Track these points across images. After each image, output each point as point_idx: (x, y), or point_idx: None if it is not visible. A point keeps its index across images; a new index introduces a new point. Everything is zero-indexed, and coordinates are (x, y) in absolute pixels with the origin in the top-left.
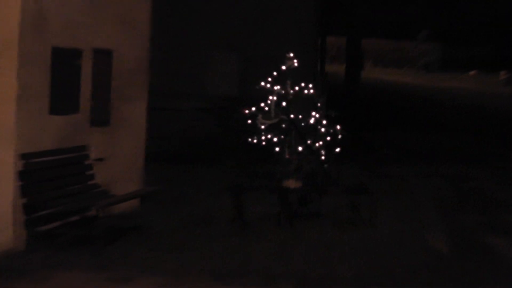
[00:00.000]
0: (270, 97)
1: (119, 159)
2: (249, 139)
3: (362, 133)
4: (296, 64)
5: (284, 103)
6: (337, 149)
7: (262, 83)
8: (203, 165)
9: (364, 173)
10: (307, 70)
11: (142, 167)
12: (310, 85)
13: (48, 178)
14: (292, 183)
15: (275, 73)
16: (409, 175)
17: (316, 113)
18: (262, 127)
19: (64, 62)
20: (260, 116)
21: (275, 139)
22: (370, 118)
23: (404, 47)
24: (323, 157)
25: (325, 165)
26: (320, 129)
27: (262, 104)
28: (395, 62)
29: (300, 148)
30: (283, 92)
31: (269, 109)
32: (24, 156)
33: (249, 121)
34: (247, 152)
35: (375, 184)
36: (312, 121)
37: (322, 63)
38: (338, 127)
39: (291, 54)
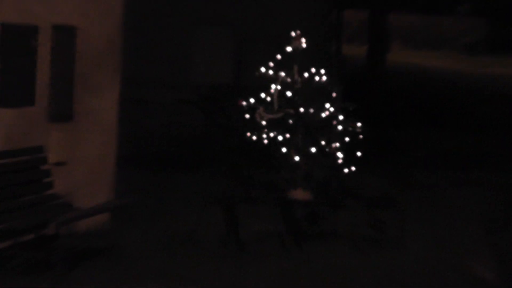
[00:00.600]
0: (273, 86)
1: (84, 163)
2: (246, 138)
3: (388, 131)
4: (305, 45)
5: (290, 94)
6: (358, 153)
7: (263, 69)
8: (188, 171)
9: (390, 181)
10: (319, 53)
11: (113, 172)
12: (323, 71)
13: None
14: (299, 194)
15: (278, 56)
16: (447, 184)
17: (331, 106)
18: (263, 123)
19: (15, 42)
20: (260, 110)
21: (278, 138)
22: (398, 112)
23: (441, 24)
24: (339, 162)
25: (342, 172)
26: (335, 126)
27: (263, 95)
28: (430, 42)
29: (310, 150)
30: (288, 79)
31: (271, 100)
32: None
33: (247, 116)
34: (243, 155)
35: (403, 196)
36: (325, 116)
37: (338, 44)
38: (359, 124)
39: (299, 33)
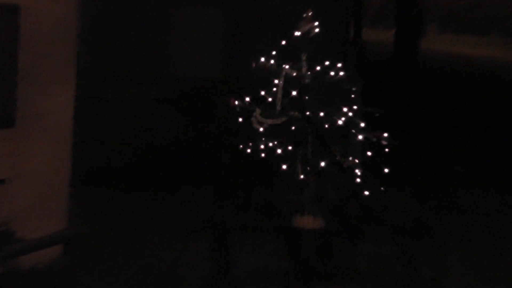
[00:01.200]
0: (275, 82)
1: (29, 180)
2: (240, 149)
3: (422, 140)
4: (317, 30)
5: (296, 92)
6: (383, 169)
7: (262, 59)
8: (165, 191)
9: (425, 204)
10: (333, 39)
11: (66, 193)
12: (339, 64)
13: None
14: (308, 222)
15: (282, 43)
16: (498, 208)
17: (349, 109)
18: (261, 129)
19: None
20: (257, 112)
21: (281, 150)
22: (436, 116)
23: (489, 2)
24: (358, 180)
25: (362, 193)
26: (354, 135)
27: (262, 93)
28: (475, 26)
29: (322, 165)
30: (294, 73)
31: (272, 100)
32: None
33: (240, 119)
34: (236, 171)
35: (441, 223)
36: (341, 121)
37: (357, 28)
38: (385, 134)
39: (310, 13)
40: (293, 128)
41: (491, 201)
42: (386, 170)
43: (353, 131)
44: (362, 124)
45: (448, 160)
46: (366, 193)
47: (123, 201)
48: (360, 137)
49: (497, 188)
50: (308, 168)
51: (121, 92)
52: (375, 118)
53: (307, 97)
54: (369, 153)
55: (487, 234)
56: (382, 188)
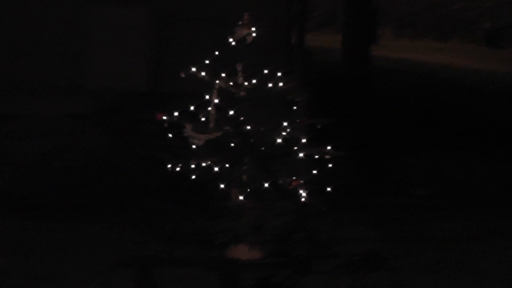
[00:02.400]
0: (208, 96)
1: None
2: (168, 170)
3: (377, 158)
4: (254, 34)
5: (230, 106)
6: (329, 186)
7: (192, 69)
8: (82, 219)
9: (381, 232)
10: (273, 45)
11: None
12: (279, 73)
13: None
14: (245, 253)
15: (216, 52)
16: (465, 235)
17: (291, 123)
18: (194, 146)
19: None
20: (188, 127)
21: (215, 169)
22: (392, 130)
23: (451, 1)
24: (303, 204)
25: (309, 219)
26: (297, 153)
27: (192, 108)
28: (435, 30)
29: (261, 187)
30: (230, 84)
31: (205, 115)
32: None
33: (169, 135)
34: (163, 195)
35: (400, 254)
36: (282, 137)
37: (300, 32)
38: (329, 147)
39: (247, 17)
40: (229, 145)
41: (456, 227)
42: (329, 189)
43: (296, 147)
44: (305, 140)
45: (406, 181)
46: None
47: (36, 231)
48: (302, 154)
49: (462, 211)
50: (245, 191)
51: (31, 107)
52: (321, 132)
53: (243, 111)
54: (315, 171)
55: (451, 265)
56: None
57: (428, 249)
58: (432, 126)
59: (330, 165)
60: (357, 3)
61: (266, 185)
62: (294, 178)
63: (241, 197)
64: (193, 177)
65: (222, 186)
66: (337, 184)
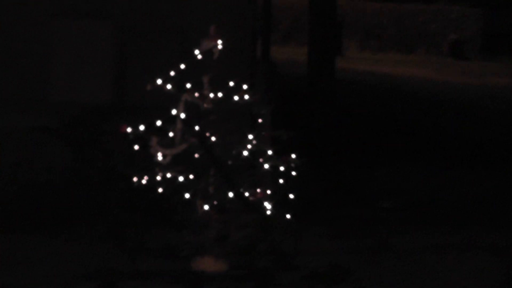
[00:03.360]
0: (173, 109)
1: None
2: (132, 183)
3: (341, 170)
4: (220, 46)
5: (196, 119)
6: (291, 197)
7: (158, 81)
8: (46, 233)
9: (344, 244)
10: (238, 57)
11: None
12: (245, 86)
13: None
14: (209, 264)
15: (182, 65)
16: (426, 248)
17: (255, 135)
18: (159, 158)
19: None
20: (154, 141)
21: (180, 179)
22: (357, 143)
23: (415, 13)
24: (268, 215)
25: (272, 231)
26: (262, 164)
27: (159, 122)
28: (399, 41)
29: (226, 199)
30: (196, 96)
31: (172, 129)
32: None
33: (135, 148)
34: (127, 208)
35: (363, 266)
36: (248, 149)
37: (265, 44)
38: (293, 155)
39: (213, 28)
40: (193, 157)
41: (418, 240)
42: (292, 201)
43: (261, 159)
44: (270, 152)
45: (369, 194)
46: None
47: (1, 243)
48: (267, 165)
49: (424, 224)
50: (210, 203)
51: None
52: (285, 145)
53: (208, 124)
54: (279, 181)
55: (412, 278)
56: (287, 216)
57: (392, 262)
58: (397, 138)
59: (294, 174)
60: (322, 15)
61: (231, 196)
62: (258, 190)
63: (206, 208)
64: (159, 190)
65: (187, 197)
66: (301, 196)
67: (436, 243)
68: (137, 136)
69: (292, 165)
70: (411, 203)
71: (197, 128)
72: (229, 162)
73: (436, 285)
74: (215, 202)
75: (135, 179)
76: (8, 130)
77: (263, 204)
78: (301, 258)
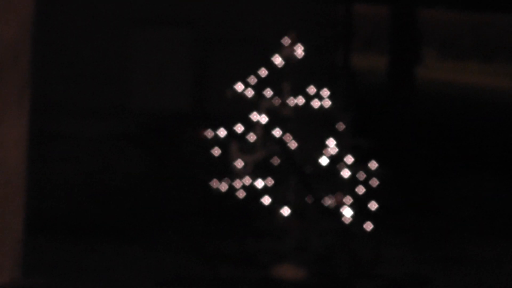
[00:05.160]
0: (253, 114)
1: None
2: (212, 189)
3: (421, 180)
4: (300, 54)
5: (277, 124)
6: (373, 205)
7: (238, 87)
8: (125, 240)
9: (424, 254)
10: (318, 65)
11: (19, 242)
12: (325, 92)
13: None
14: (289, 272)
15: (262, 71)
16: (506, 258)
17: (336, 142)
18: (239, 165)
19: None
20: (233, 146)
21: (260, 185)
22: (436, 153)
23: (495, 25)
24: (347, 223)
25: (352, 239)
26: (342, 172)
27: (239, 128)
28: (479, 51)
29: (306, 206)
30: (276, 103)
31: (251, 135)
32: None
33: (216, 152)
34: (206, 215)
35: (443, 276)
36: (327, 157)
37: (346, 52)
38: (374, 164)
39: (292, 36)
40: (273, 164)
41: (500, 250)
42: (375, 210)
43: (341, 167)
44: (351, 159)
45: (450, 203)
46: (358, 237)
47: (80, 250)
48: (347, 173)
49: (506, 234)
50: (289, 212)
51: (76, 127)
52: (365, 154)
53: (290, 131)
54: (359, 190)
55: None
56: (367, 225)
57: (474, 273)
58: (474, 150)
59: (374, 182)
60: (403, 25)
61: (311, 203)
62: (338, 197)
63: (286, 215)
64: (239, 196)
65: (266, 203)
66: (380, 205)
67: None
68: (217, 142)
69: (373, 173)
70: (490, 213)
71: (277, 134)
72: (309, 169)
73: None
74: (294, 210)
75: (214, 184)
76: (86, 137)
77: (343, 212)
78: (379, 267)
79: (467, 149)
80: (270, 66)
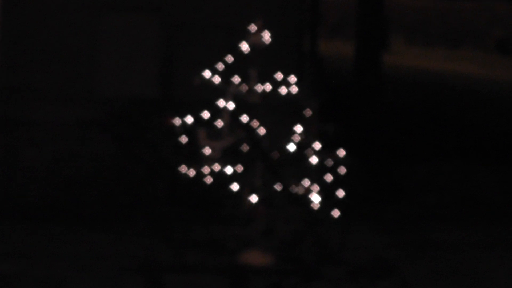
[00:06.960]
0: (221, 101)
1: None
2: (180, 175)
3: (386, 165)
4: (267, 41)
5: (244, 111)
6: (340, 192)
7: (205, 74)
8: (93, 226)
9: (388, 239)
10: (285, 52)
11: None
12: (292, 79)
13: None
14: (256, 258)
15: (229, 57)
16: (472, 244)
17: (303, 128)
18: (207, 151)
19: None
20: (201, 133)
21: (228, 171)
22: (401, 138)
23: (462, 9)
24: (314, 209)
25: (319, 225)
26: (308, 158)
27: (206, 114)
28: (446, 37)
29: (273, 193)
30: (243, 90)
31: (219, 121)
32: None
33: (183, 139)
34: (174, 201)
35: (408, 261)
36: (294, 143)
37: (313, 39)
38: (342, 152)
39: (260, 23)
40: (241, 150)
41: (463, 236)
42: (342, 196)
43: (308, 153)
44: (318, 145)
45: (415, 189)
46: (324, 224)
47: (46, 236)
48: (315, 159)
49: (470, 220)
50: (257, 198)
51: (42, 114)
52: (332, 140)
53: (257, 118)
54: (326, 177)
55: (457, 273)
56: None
57: (436, 257)
58: (441, 135)
59: (342, 170)
60: (369, 11)
61: (278, 189)
62: (305, 184)
63: (253, 201)
64: (206, 182)
65: (234, 190)
66: (347, 191)
67: (480, 239)
68: (184, 129)
69: (340, 161)
70: (455, 198)
71: (244, 121)
72: (277, 155)
73: (479, 282)
74: (261, 196)
75: (182, 169)
76: (54, 124)
77: (310, 199)
78: (346, 252)
79: (434, 135)
80: (237, 52)
